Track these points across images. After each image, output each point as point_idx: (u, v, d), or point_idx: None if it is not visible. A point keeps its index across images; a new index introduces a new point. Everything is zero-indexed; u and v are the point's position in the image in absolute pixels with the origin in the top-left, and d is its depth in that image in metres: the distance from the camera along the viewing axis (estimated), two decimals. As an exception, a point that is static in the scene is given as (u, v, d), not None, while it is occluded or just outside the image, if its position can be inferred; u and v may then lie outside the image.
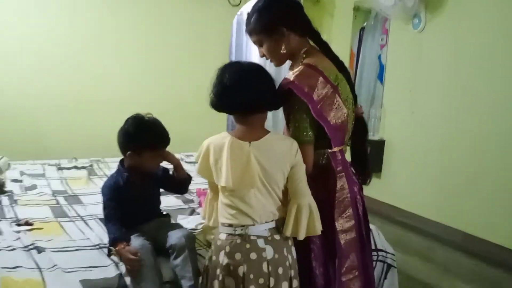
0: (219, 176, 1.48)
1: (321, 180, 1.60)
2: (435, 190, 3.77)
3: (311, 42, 1.68)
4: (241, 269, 1.44)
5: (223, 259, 1.47)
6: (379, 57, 4.37)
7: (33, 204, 2.43)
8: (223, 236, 1.50)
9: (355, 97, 1.69)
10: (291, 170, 1.48)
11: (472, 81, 3.47)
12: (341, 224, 1.60)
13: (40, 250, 1.82)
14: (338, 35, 4.84)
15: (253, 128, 1.50)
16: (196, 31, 4.23)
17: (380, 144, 4.22)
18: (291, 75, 1.55)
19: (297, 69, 1.56)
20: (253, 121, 1.50)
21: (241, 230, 1.46)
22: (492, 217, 3.33)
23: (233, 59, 5.84)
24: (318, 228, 1.50)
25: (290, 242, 1.53)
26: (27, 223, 2.10)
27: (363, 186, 1.80)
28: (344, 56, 4.68)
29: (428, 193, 3.83)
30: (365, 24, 4.71)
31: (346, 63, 4.65)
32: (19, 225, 2.09)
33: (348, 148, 1.77)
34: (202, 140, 1.55)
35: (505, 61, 3.25)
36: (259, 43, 1.65)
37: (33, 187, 2.74)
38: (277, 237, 1.49)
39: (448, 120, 3.65)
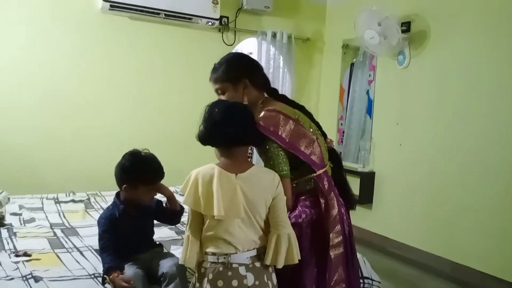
0: (208, 206, 1.54)
1: (316, 201, 1.79)
2: (424, 220, 3.86)
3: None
4: None
5: (205, 286, 1.55)
6: (368, 92, 4.54)
7: (31, 236, 2.51)
8: (206, 264, 1.58)
9: (318, 125, 1.92)
10: (273, 201, 1.60)
11: (457, 113, 3.62)
12: (331, 239, 1.75)
13: (37, 279, 1.89)
14: (328, 72, 5.04)
15: (237, 160, 1.62)
16: (189, 67, 4.37)
17: (370, 175, 4.33)
18: (257, 120, 1.74)
19: (260, 115, 1.75)
20: (238, 154, 1.62)
21: (224, 258, 1.54)
22: (481, 246, 3.41)
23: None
24: (296, 257, 1.60)
25: (270, 269, 1.62)
26: (25, 254, 2.18)
27: (351, 213, 1.97)
28: (334, 91, 4.88)
29: (418, 223, 3.92)
30: (354, 60, 4.92)
31: (336, 98, 4.85)
32: (17, 256, 2.16)
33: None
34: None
35: (489, 92, 3.40)
36: (221, 91, 1.85)
37: (32, 220, 2.82)
38: (257, 264, 1.58)
39: (435, 151, 3.79)
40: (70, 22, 3.85)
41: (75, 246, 2.37)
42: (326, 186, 1.78)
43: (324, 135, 1.95)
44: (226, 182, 1.55)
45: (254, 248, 1.58)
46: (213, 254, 1.56)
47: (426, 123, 3.87)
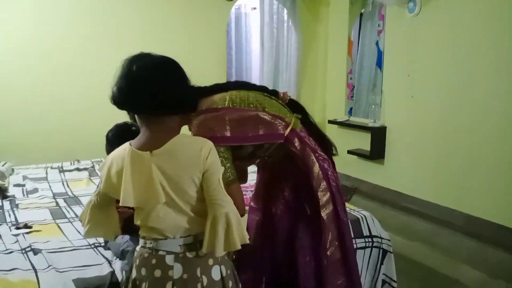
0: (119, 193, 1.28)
1: (291, 166, 1.68)
2: (437, 173, 3.75)
3: None
4: (143, 286, 1.31)
5: (133, 273, 1.36)
6: (377, 44, 4.34)
7: (33, 207, 2.48)
8: (137, 248, 1.37)
9: (260, 88, 1.72)
10: (203, 176, 1.28)
11: (469, 63, 3.43)
12: (320, 198, 1.66)
13: (36, 252, 1.86)
14: (335, 24, 4.82)
15: (158, 133, 1.29)
16: (192, 29, 4.23)
17: (382, 130, 4.20)
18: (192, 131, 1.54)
19: (192, 126, 1.56)
20: (161, 125, 1.30)
21: (151, 243, 1.31)
22: (494, 197, 3.31)
23: (233, 54, 5.85)
24: (238, 242, 1.29)
25: (211, 261, 1.33)
26: (25, 226, 2.15)
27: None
28: (342, 45, 4.68)
29: (430, 177, 3.81)
30: (363, 10, 4.69)
31: (345, 52, 4.67)
32: (18, 228, 2.14)
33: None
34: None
35: (502, 42, 3.20)
36: None
37: (35, 190, 2.79)
38: (190, 254, 1.31)
39: (447, 103, 3.62)
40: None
41: (76, 216, 2.34)
42: (297, 145, 1.66)
43: (274, 93, 1.76)
44: (138, 164, 1.26)
45: (189, 235, 1.31)
46: (143, 237, 1.34)
47: (438, 73, 3.69)
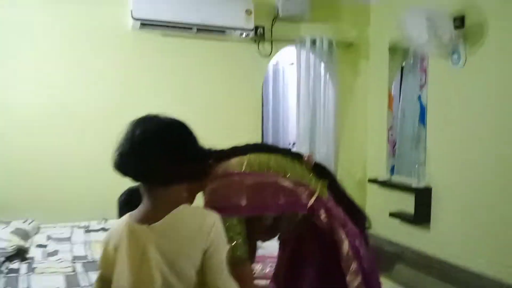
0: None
1: (317, 242, 1.48)
2: (492, 240, 3.36)
3: None
4: None
5: None
6: (419, 98, 4.11)
7: (49, 272, 2.36)
8: None
9: (283, 151, 1.58)
10: (205, 256, 1.10)
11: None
12: (349, 283, 1.44)
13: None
14: (375, 78, 4.66)
15: (159, 204, 1.14)
16: (225, 81, 4.19)
17: (427, 191, 3.88)
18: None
19: (207, 194, 1.42)
20: (163, 194, 1.15)
21: None
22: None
23: (270, 109, 5.78)
24: None
25: None
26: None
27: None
28: (382, 99, 4.49)
29: (484, 244, 3.42)
30: (403, 64, 4.51)
31: (385, 107, 4.48)
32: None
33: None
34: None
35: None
36: None
37: (55, 253, 2.69)
38: None
39: (501, 159, 3.30)
40: (101, 43, 3.76)
41: (90, 284, 2.19)
42: (323, 218, 1.45)
43: (297, 156, 1.60)
44: (134, 240, 1.11)
45: None
46: None
47: (488, 129, 3.39)
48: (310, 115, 4.52)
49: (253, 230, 1.43)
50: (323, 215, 1.45)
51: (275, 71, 5.80)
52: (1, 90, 3.49)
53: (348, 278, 1.42)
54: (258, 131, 4.52)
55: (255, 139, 4.35)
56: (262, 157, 1.48)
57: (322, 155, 4.60)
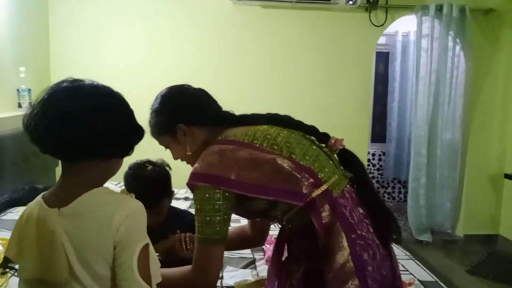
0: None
1: (312, 244, 1.18)
2: None
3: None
4: None
5: None
6: None
7: None
8: None
9: (312, 131, 1.33)
10: (114, 251, 0.93)
11: None
12: None
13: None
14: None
15: (71, 183, 0.98)
16: (331, 56, 3.81)
17: None
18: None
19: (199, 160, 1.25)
20: (76, 173, 0.98)
21: None
22: None
23: (396, 86, 5.17)
24: None
25: None
26: None
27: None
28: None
29: None
30: None
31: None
32: None
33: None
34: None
35: None
36: (165, 146, 1.41)
37: None
38: None
39: None
40: (203, 18, 3.74)
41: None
42: (325, 216, 1.13)
43: (322, 136, 1.31)
44: (44, 224, 0.96)
45: None
46: None
47: None
48: (433, 94, 3.86)
49: (243, 211, 1.27)
50: (325, 212, 1.13)
51: (404, 45, 5.13)
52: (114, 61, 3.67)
53: None
54: (367, 113, 4.07)
55: (363, 120, 3.93)
56: (273, 131, 1.25)
57: (444, 143, 3.94)
